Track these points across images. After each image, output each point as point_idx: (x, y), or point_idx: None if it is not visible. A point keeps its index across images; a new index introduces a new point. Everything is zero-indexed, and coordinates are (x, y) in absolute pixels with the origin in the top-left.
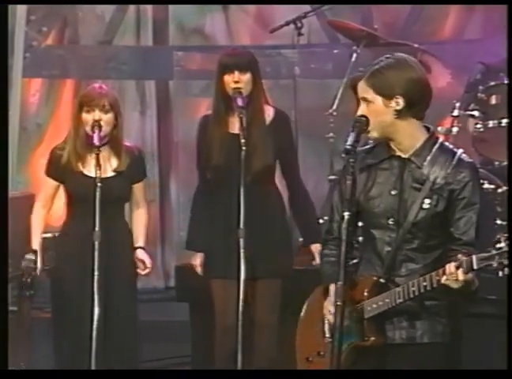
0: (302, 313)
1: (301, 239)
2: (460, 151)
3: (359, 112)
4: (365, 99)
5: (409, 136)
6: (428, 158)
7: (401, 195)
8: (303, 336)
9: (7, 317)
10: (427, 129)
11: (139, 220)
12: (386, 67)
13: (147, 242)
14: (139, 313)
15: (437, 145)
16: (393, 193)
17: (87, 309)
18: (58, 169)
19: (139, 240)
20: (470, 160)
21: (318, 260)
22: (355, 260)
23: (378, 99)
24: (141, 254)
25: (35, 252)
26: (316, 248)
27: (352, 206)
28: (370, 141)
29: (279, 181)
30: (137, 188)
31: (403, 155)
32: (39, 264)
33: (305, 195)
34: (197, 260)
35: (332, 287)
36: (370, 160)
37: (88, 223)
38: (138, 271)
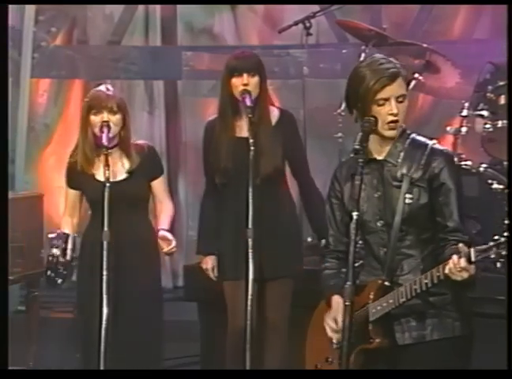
0: (311, 322)
1: (310, 239)
2: (432, 142)
3: (395, 110)
4: (402, 96)
5: None
6: (402, 154)
7: (385, 196)
8: (312, 344)
9: (7, 317)
10: None
11: (165, 211)
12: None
13: (171, 227)
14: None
15: (408, 140)
16: (376, 195)
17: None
18: (74, 177)
19: (163, 224)
20: (443, 148)
21: None
22: (357, 264)
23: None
24: (163, 233)
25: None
26: None
27: (358, 207)
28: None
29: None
30: (157, 184)
31: (378, 157)
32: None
33: (317, 193)
34: (209, 263)
35: (334, 299)
36: (353, 169)
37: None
38: (163, 250)
